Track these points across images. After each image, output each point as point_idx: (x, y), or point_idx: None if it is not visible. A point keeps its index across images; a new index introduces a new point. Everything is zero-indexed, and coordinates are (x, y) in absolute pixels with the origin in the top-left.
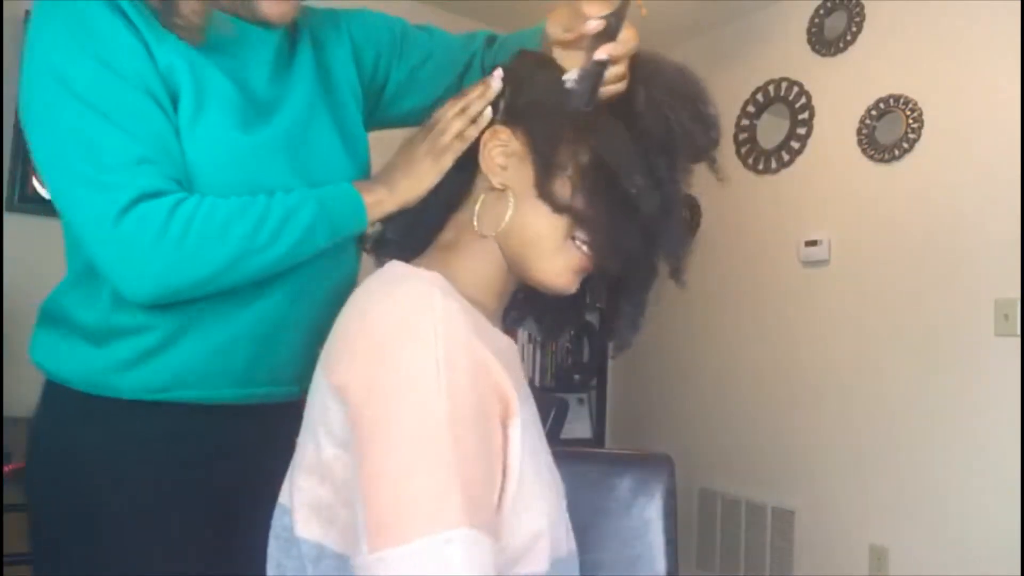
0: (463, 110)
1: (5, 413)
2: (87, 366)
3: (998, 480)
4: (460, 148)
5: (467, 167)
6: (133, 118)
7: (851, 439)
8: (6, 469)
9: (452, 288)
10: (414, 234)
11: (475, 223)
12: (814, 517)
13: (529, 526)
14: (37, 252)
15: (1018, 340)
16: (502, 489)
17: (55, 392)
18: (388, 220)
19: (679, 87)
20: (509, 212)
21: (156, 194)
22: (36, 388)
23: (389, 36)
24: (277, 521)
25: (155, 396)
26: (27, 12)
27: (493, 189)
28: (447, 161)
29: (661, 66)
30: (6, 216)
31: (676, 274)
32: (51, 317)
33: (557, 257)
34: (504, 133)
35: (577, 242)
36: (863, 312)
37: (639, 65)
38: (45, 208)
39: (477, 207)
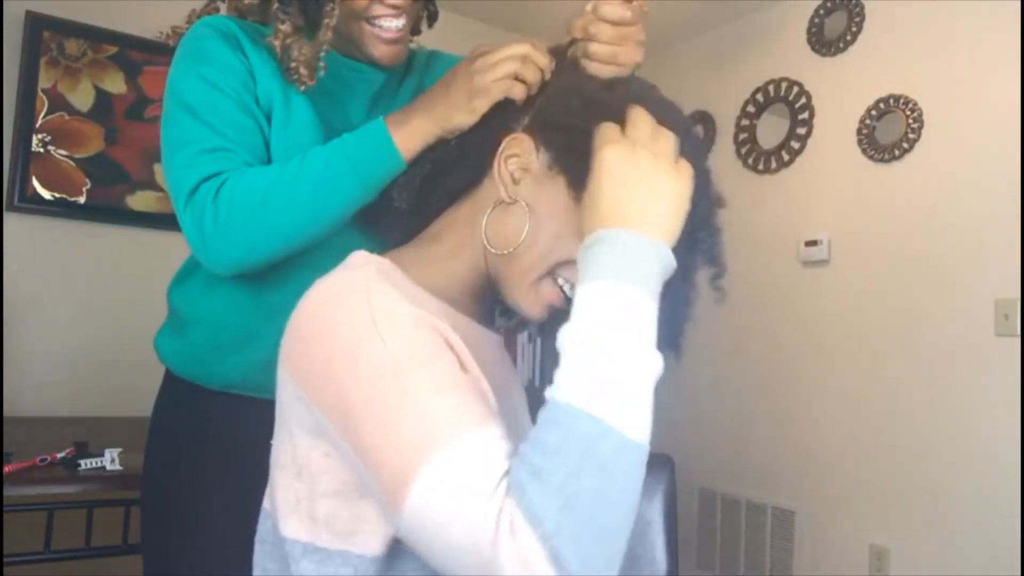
0: (517, 57)
1: (5, 413)
2: (179, 353)
3: (998, 480)
4: (498, 95)
5: (479, 164)
6: (219, 117)
7: (851, 439)
8: (6, 469)
9: (400, 274)
10: (414, 221)
11: (483, 234)
12: (814, 517)
13: None
14: (37, 252)
15: (1018, 340)
16: None
17: (166, 376)
18: (391, 202)
19: (698, 148)
20: (526, 230)
21: (214, 175)
22: (36, 388)
23: None
24: (262, 525)
25: (234, 390)
26: (27, 12)
27: (502, 201)
28: (482, 105)
29: (679, 113)
30: (6, 216)
31: (672, 348)
32: (169, 305)
33: (535, 290)
34: (526, 143)
35: (560, 280)
36: (863, 312)
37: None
38: (45, 208)
39: (486, 218)
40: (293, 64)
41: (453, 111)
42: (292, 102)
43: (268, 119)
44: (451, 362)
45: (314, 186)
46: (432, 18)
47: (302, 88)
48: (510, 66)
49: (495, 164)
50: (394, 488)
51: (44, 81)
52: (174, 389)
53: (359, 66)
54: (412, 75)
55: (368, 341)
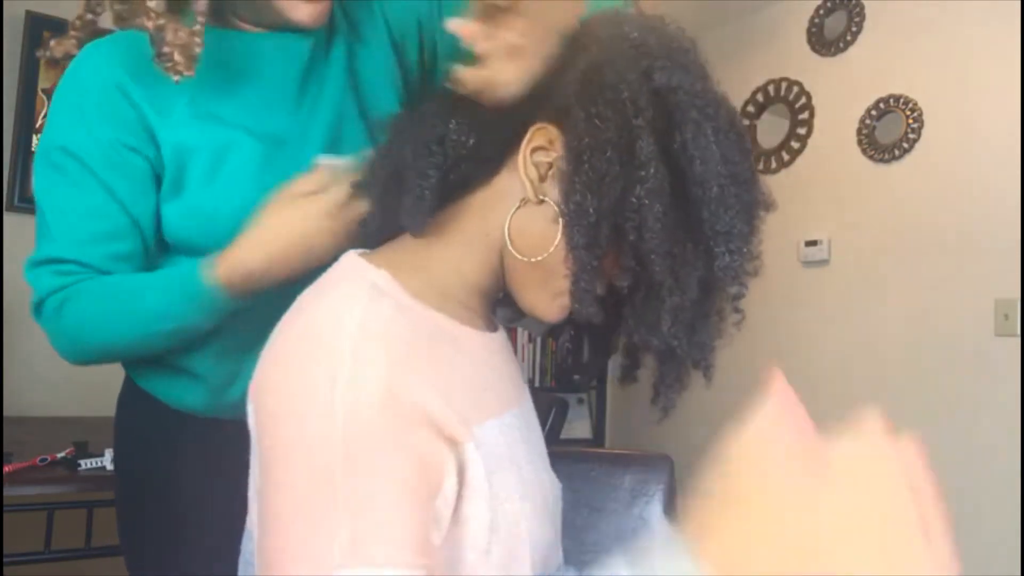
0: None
1: (5, 413)
2: (170, 394)
3: (998, 480)
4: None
5: (493, 156)
6: (68, 222)
7: None
8: (6, 469)
9: (398, 287)
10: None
11: (507, 237)
12: None
13: (509, 555)
14: None
15: (1018, 340)
16: (459, 518)
17: (135, 392)
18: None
19: (736, 142)
20: (558, 237)
21: (57, 290)
22: (36, 388)
23: (426, 3)
24: (245, 546)
25: (226, 415)
26: (27, 12)
27: (528, 200)
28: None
29: (719, 104)
30: (6, 216)
31: (701, 367)
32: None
33: (558, 296)
34: (555, 134)
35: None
36: (863, 312)
37: (693, 97)
38: None
39: (509, 219)
40: (166, 50)
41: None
42: (217, 141)
43: (181, 173)
44: (414, 456)
45: (143, 313)
46: None
47: (176, 79)
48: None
49: (520, 159)
50: (267, 570)
51: (44, 81)
52: (157, 408)
53: (280, 37)
54: (338, 36)
55: (318, 412)
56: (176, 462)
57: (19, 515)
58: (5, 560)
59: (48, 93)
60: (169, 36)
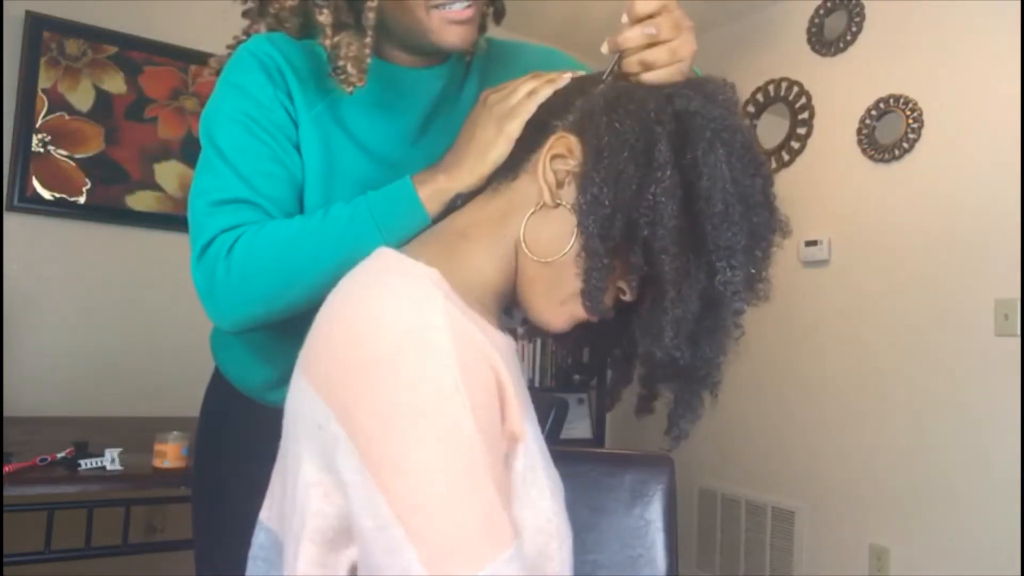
0: (537, 75)
1: (5, 413)
2: (244, 375)
3: (998, 480)
4: (530, 109)
5: (514, 160)
6: (248, 163)
7: (851, 439)
8: (6, 469)
9: (449, 288)
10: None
11: (522, 238)
12: (814, 517)
13: (539, 553)
14: (37, 252)
15: (1018, 340)
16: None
17: (220, 380)
18: None
19: (749, 168)
20: (572, 240)
21: (231, 228)
22: (36, 388)
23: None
24: (255, 539)
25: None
26: (27, 12)
27: (544, 204)
28: (514, 127)
29: (735, 130)
30: (6, 216)
31: (708, 383)
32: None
33: (566, 303)
34: (573, 143)
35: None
36: (863, 312)
37: (712, 120)
38: (45, 208)
39: (525, 222)
40: (341, 63)
41: (484, 148)
42: (335, 152)
43: (302, 169)
44: (502, 444)
45: (335, 243)
46: (499, 14)
47: (350, 90)
48: (528, 85)
49: (540, 164)
50: (433, 567)
51: (44, 81)
52: (236, 399)
53: (417, 73)
54: (471, 78)
55: (449, 408)
56: (248, 453)
57: (19, 515)
58: (5, 560)
59: (48, 93)
60: (343, 51)
